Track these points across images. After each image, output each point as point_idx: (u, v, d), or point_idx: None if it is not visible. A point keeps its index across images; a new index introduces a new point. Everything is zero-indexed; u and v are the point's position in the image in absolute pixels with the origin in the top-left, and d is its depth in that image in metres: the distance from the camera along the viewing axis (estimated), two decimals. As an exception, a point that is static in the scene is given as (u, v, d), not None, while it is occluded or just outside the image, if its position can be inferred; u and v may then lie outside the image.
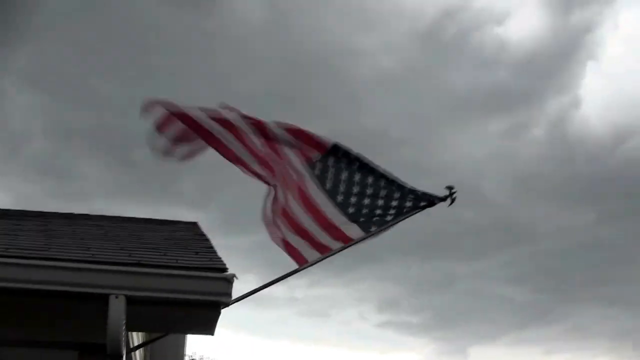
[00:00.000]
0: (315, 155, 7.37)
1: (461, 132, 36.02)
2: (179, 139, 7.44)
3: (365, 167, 7.27)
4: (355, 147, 7.63)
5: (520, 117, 37.27)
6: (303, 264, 6.91)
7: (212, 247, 7.14)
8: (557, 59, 35.80)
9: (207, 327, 6.04)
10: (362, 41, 32.03)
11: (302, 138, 7.38)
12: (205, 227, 10.10)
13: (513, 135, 37.22)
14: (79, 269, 5.46)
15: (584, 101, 39.08)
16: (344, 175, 7.28)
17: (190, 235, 8.39)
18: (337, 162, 7.32)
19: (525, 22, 36.08)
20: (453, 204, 7.16)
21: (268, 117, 7.90)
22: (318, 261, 6.90)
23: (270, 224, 7.32)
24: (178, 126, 7.40)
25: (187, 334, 6.51)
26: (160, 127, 7.39)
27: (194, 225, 9.89)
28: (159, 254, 6.38)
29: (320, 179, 7.28)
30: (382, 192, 7.15)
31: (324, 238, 6.98)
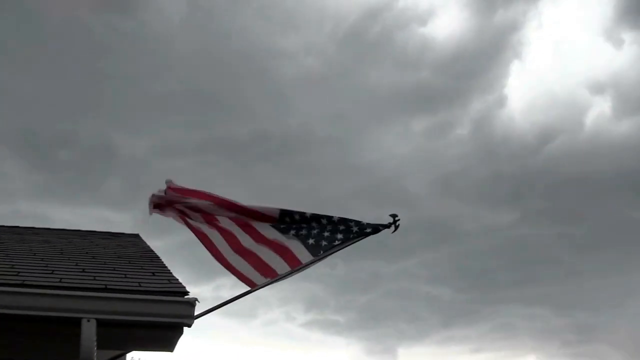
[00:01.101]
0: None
1: (385, 131, 36.76)
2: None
3: (313, 215, 7.88)
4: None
5: (444, 116, 38.07)
6: (254, 287, 7.43)
7: (165, 267, 7.62)
8: (482, 58, 36.62)
9: (169, 345, 6.52)
10: (285, 42, 32.50)
11: (254, 215, 8.00)
12: (130, 229, 10.57)
13: (437, 134, 38.01)
14: (52, 295, 5.87)
15: (509, 100, 39.96)
16: (296, 222, 7.87)
17: (139, 251, 8.85)
18: (289, 221, 7.93)
19: (449, 21, 36.73)
20: (397, 230, 7.70)
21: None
22: (268, 284, 7.44)
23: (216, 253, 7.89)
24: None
25: (148, 351, 6.96)
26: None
27: (137, 237, 10.34)
28: (120, 276, 6.82)
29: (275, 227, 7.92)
30: (329, 225, 7.74)
31: (273, 262, 7.52)
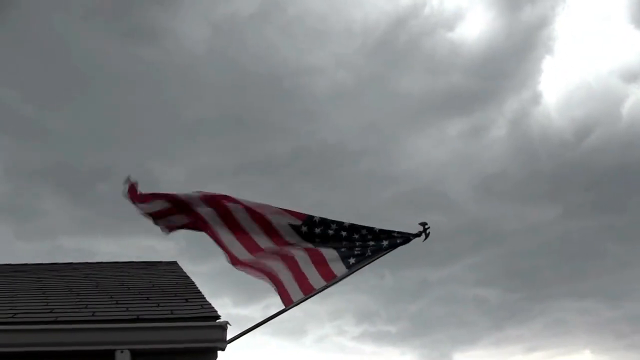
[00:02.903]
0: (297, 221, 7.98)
1: (420, 137, 36.61)
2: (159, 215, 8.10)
3: (340, 223, 7.86)
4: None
5: (479, 118, 37.80)
6: (289, 304, 7.43)
7: (199, 292, 7.65)
8: (513, 57, 36.28)
9: (206, 370, 6.55)
10: (313, 57, 32.55)
11: (282, 213, 8.00)
12: (175, 256, 10.58)
13: (473, 136, 37.75)
14: (85, 329, 5.94)
15: (543, 97, 39.57)
16: (325, 231, 7.85)
17: (174, 279, 8.89)
18: (318, 225, 7.90)
19: (476, 23, 36.45)
20: (427, 238, 7.69)
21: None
22: (303, 300, 7.43)
23: (257, 270, 7.84)
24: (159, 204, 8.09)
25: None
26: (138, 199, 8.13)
27: (174, 265, 10.40)
28: (152, 305, 6.88)
29: (306, 236, 7.89)
30: (359, 237, 7.73)
31: (310, 275, 7.51)
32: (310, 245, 7.86)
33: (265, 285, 7.76)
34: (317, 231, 7.90)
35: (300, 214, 7.97)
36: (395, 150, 35.84)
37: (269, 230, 8.06)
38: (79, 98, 29.74)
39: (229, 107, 31.59)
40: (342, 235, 7.82)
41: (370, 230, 7.83)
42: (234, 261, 7.81)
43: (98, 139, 32.39)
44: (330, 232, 7.88)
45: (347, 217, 8.05)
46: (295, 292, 7.55)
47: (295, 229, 7.94)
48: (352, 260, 7.63)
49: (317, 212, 8.16)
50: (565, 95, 40.16)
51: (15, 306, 6.78)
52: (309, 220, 7.90)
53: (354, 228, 7.88)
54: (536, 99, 37.60)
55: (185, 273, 9.54)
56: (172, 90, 31.02)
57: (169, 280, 8.84)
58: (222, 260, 8.20)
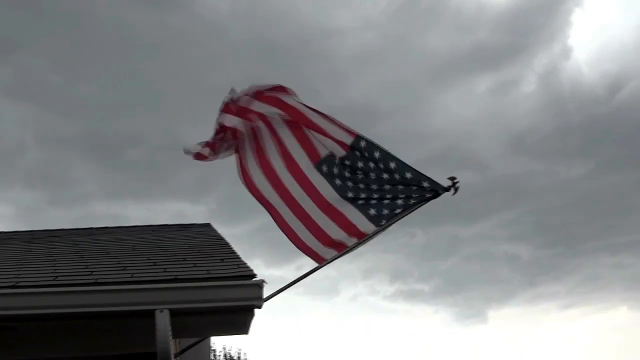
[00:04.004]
0: (338, 151, 8.01)
1: (449, 95, 36.48)
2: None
3: (382, 160, 7.88)
4: (347, 122, 8.28)
5: (508, 73, 37.51)
6: (322, 262, 7.54)
7: (234, 252, 7.76)
8: (541, 11, 35.89)
9: (243, 328, 6.68)
10: (339, 20, 32.43)
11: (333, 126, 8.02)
12: (206, 219, 10.68)
13: (502, 92, 37.52)
14: (124, 290, 6.06)
15: (574, 51, 39.05)
16: (359, 173, 7.89)
17: (208, 240, 9.01)
18: (356, 160, 7.93)
19: (503, -23, 36.17)
20: (457, 193, 7.70)
21: None
22: (335, 258, 7.54)
23: (289, 230, 7.96)
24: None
25: (224, 335, 7.14)
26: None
27: (207, 227, 10.52)
28: (189, 265, 6.99)
29: (334, 176, 7.93)
30: (390, 188, 7.76)
31: (340, 235, 7.61)
32: (342, 205, 7.92)
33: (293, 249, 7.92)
34: (358, 163, 7.92)
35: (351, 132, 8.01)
36: (424, 109, 35.76)
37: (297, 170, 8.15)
38: (107, 66, 29.93)
39: (255, 71, 31.61)
40: (372, 193, 7.84)
41: (401, 173, 7.80)
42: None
43: (126, 105, 32.61)
44: (360, 174, 7.91)
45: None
46: (326, 252, 7.66)
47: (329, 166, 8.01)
48: (382, 221, 7.70)
49: None
50: (596, 49, 39.62)
51: (56, 269, 6.93)
52: (355, 144, 7.94)
53: (394, 161, 7.86)
54: (566, 53, 37.18)
55: (219, 234, 9.66)
56: (198, 55, 31.10)
57: (204, 241, 8.97)
58: (254, 222, 8.36)
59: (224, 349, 30.62)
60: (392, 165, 7.82)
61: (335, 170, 8.01)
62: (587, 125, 36.93)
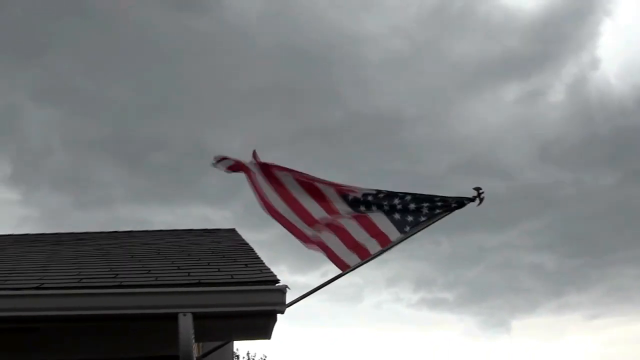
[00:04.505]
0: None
1: (476, 103, 36.31)
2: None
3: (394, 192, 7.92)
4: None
5: (536, 82, 37.30)
6: (345, 269, 7.51)
7: (258, 258, 7.76)
8: (570, 20, 35.65)
9: (265, 333, 6.66)
10: (367, 26, 32.41)
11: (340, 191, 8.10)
12: (231, 224, 10.71)
13: (530, 101, 37.29)
14: (148, 293, 6.08)
15: (603, 62, 38.70)
16: (377, 197, 7.92)
17: (233, 245, 9.02)
18: (374, 195, 7.97)
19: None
20: (482, 203, 7.67)
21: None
22: (358, 266, 7.51)
23: (308, 240, 7.95)
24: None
25: (247, 340, 7.15)
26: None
27: (232, 232, 10.54)
28: (213, 270, 7.01)
29: (355, 202, 7.96)
30: (414, 201, 7.75)
31: (365, 241, 7.58)
32: (360, 212, 7.93)
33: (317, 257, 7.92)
34: (369, 198, 7.97)
35: (354, 190, 8.07)
36: (451, 116, 35.63)
37: (319, 197, 8.18)
38: (135, 70, 30.10)
39: (282, 76, 31.68)
40: (395, 202, 7.85)
41: (424, 196, 7.84)
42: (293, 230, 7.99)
43: (153, 109, 32.78)
44: (382, 197, 7.94)
45: (404, 184, 8.17)
46: (350, 257, 7.64)
47: (344, 197, 8.04)
48: (406, 228, 7.68)
49: (375, 179, 8.27)
50: (625, 60, 39.29)
51: (81, 272, 6.96)
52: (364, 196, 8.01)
53: (407, 195, 7.91)
54: (595, 63, 36.88)
55: (243, 239, 9.67)
56: (226, 60, 31.20)
57: (228, 246, 8.98)
58: (278, 228, 8.37)
59: (248, 354, 30.60)
60: (410, 195, 7.91)
61: (366, 200, 8.07)
62: (615, 136, 36.63)
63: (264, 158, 8.93)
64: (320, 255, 7.87)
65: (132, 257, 8.02)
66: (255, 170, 8.70)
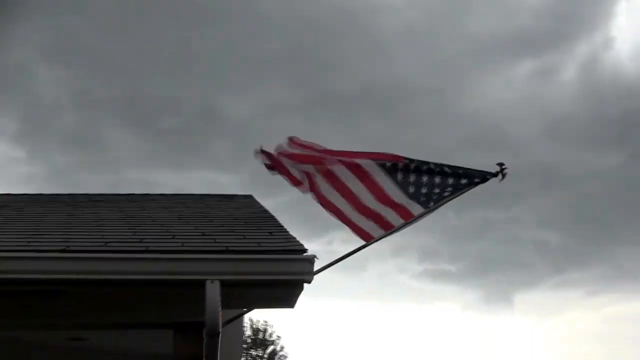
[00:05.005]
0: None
1: (489, 78, 36.12)
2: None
3: (424, 162, 7.79)
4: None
5: (549, 60, 37.10)
6: (370, 240, 7.46)
7: (281, 226, 7.69)
8: (585, -1, 35.36)
9: (289, 302, 6.62)
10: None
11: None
12: (242, 190, 10.61)
13: (542, 78, 37.12)
14: (176, 259, 6.02)
15: (616, 42, 38.40)
16: (409, 173, 7.80)
17: (254, 212, 8.97)
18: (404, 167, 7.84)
19: (549, -37, 35.61)
20: (504, 179, 7.61)
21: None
22: (382, 237, 7.46)
23: (334, 209, 7.86)
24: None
25: (270, 308, 7.11)
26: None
27: (250, 198, 10.47)
28: (239, 237, 6.95)
29: (388, 173, 7.82)
30: (438, 176, 7.67)
31: (388, 215, 7.52)
32: (383, 187, 7.84)
33: (327, 220, 7.84)
34: (399, 166, 7.88)
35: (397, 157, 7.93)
36: (464, 90, 35.44)
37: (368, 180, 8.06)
38: (147, 32, 29.89)
39: (297, 43, 31.47)
40: (422, 176, 7.77)
41: (450, 167, 7.76)
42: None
43: (165, 72, 32.62)
44: (412, 169, 7.84)
45: (414, 156, 8.03)
46: (373, 229, 7.58)
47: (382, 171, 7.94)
48: (430, 203, 7.63)
49: (385, 149, 8.13)
50: (639, 42, 38.97)
51: (105, 235, 6.89)
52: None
53: (433, 165, 7.82)
54: (608, 43, 36.59)
55: (262, 206, 9.60)
56: (241, 24, 30.98)
57: (248, 213, 8.92)
58: (285, 195, 8.29)
59: (250, 320, 30.76)
60: (434, 165, 7.79)
61: (394, 172, 7.92)
62: (624, 117, 36.46)
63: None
64: (325, 223, 7.82)
65: (153, 222, 7.96)
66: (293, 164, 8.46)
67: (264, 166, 8.44)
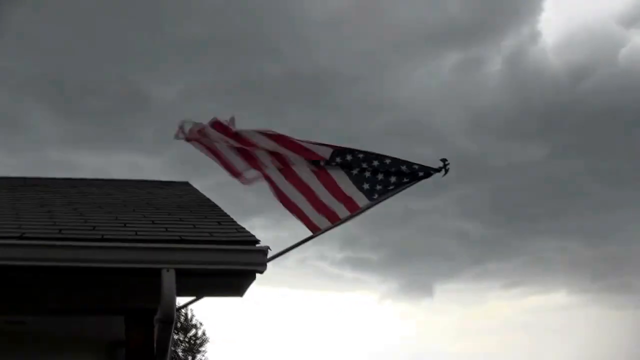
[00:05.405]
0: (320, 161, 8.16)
1: (414, 68, 36.64)
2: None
3: (367, 153, 8.05)
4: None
5: (475, 52, 37.81)
6: (316, 231, 7.71)
7: (227, 216, 7.87)
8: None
9: (239, 291, 6.82)
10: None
11: (303, 154, 8.14)
12: (165, 173, 10.75)
13: (467, 70, 37.82)
14: (132, 248, 6.16)
15: (542, 36, 39.36)
16: (350, 163, 8.05)
17: (195, 200, 9.12)
18: (343, 157, 8.06)
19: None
20: (447, 174, 7.98)
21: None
22: (329, 229, 7.72)
23: (285, 200, 8.08)
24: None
25: (220, 297, 7.29)
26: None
27: (187, 185, 10.59)
28: (189, 226, 7.08)
29: (339, 166, 8.06)
30: (384, 170, 7.95)
31: (337, 208, 7.78)
32: (329, 176, 8.07)
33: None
34: (337, 160, 8.11)
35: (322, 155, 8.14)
36: (389, 79, 35.93)
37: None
38: (75, 11, 29.41)
39: (222, 28, 31.39)
40: (365, 170, 8.02)
41: (394, 160, 8.05)
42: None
43: (90, 54, 32.13)
44: (352, 160, 8.07)
45: (339, 143, 8.28)
46: (320, 220, 7.83)
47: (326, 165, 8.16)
48: (375, 195, 7.91)
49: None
50: (564, 37, 40.09)
51: (56, 222, 6.95)
52: (333, 156, 8.10)
53: (377, 157, 8.08)
54: (534, 37, 37.53)
55: (202, 193, 9.73)
56: (168, 8, 30.73)
57: (190, 201, 9.05)
58: (209, 180, 8.44)
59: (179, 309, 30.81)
60: (378, 159, 8.05)
61: (334, 164, 8.14)
62: (547, 111, 37.54)
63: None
64: (244, 208, 8.05)
65: (100, 208, 8.02)
66: (216, 136, 8.58)
67: (184, 141, 8.58)
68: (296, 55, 33.56)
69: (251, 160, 8.39)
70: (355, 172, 8.01)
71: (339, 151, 8.09)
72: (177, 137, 8.65)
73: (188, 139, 8.64)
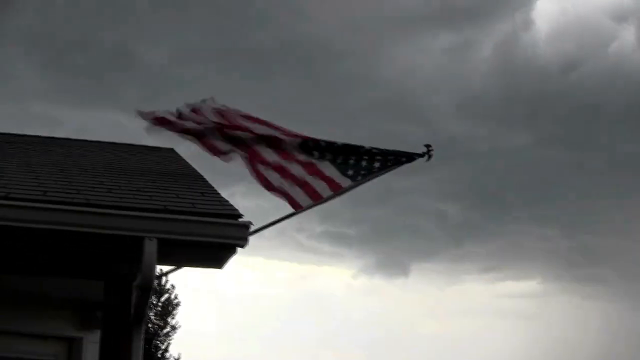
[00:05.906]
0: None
1: (407, 46, 36.60)
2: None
3: (351, 146, 8.14)
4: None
5: (468, 35, 37.82)
6: (298, 209, 7.80)
7: (212, 187, 7.93)
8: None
9: (221, 263, 6.88)
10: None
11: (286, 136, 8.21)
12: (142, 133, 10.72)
13: (459, 53, 37.83)
14: (116, 215, 6.22)
15: (535, 24, 39.35)
16: (339, 152, 8.12)
17: (179, 169, 9.20)
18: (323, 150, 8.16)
19: None
20: (430, 159, 8.09)
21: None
22: (311, 207, 7.82)
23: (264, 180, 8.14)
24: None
25: (199, 267, 7.36)
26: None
27: (172, 152, 10.64)
28: (172, 196, 7.15)
29: (319, 151, 8.14)
30: (368, 155, 8.05)
31: (318, 186, 7.86)
32: (312, 161, 8.14)
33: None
34: (322, 144, 8.19)
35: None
36: (380, 56, 35.90)
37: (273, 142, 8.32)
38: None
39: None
40: (349, 155, 8.11)
41: (376, 149, 8.14)
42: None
43: (79, 10, 31.87)
44: (336, 149, 8.17)
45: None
46: (302, 198, 7.92)
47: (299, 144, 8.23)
48: (358, 177, 8.01)
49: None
50: (557, 27, 40.13)
51: (41, 183, 6.99)
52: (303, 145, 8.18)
53: (358, 147, 8.19)
54: (527, 25, 37.55)
55: (187, 162, 9.78)
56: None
57: (174, 169, 9.13)
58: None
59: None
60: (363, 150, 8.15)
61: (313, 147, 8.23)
62: (535, 99, 37.69)
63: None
64: (225, 177, 8.08)
65: (85, 171, 8.07)
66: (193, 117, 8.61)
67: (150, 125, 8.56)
68: (289, 25, 33.50)
69: (232, 139, 8.42)
70: (339, 160, 8.09)
71: (309, 141, 8.19)
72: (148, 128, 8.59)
73: (156, 124, 8.57)
